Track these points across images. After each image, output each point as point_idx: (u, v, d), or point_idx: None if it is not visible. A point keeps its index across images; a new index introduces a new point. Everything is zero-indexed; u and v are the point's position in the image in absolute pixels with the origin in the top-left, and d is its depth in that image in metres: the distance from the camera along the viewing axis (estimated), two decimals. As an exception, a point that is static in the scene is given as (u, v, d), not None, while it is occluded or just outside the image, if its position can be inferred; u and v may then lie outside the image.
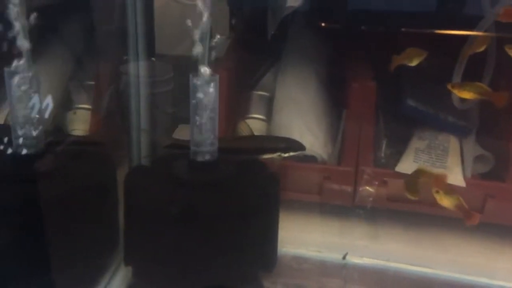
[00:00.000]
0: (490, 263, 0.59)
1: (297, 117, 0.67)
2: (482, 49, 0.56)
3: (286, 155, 0.57)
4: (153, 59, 0.71)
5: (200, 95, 0.49)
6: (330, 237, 0.62)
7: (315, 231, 0.63)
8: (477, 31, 0.57)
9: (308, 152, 0.63)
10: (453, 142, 0.66)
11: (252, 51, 0.79)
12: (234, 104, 0.72)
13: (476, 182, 0.62)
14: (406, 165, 0.63)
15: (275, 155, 0.57)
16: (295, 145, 0.58)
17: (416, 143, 0.66)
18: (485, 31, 0.59)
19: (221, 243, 0.50)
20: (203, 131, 0.49)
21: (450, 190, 0.56)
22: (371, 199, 0.61)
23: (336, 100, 0.72)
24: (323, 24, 0.81)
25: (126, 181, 0.53)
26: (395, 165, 0.64)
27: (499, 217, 0.60)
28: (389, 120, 0.69)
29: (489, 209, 0.60)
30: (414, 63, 0.62)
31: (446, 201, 0.57)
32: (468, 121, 0.66)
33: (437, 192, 0.56)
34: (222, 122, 0.66)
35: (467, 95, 0.60)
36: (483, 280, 0.57)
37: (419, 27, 0.73)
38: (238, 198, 0.50)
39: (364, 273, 0.57)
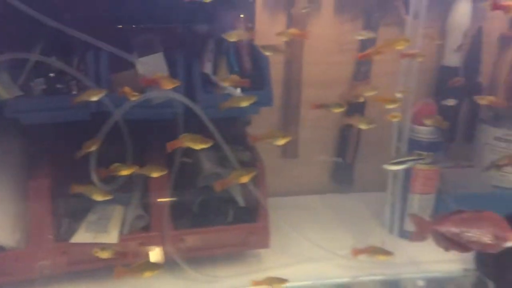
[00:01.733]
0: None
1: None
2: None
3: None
4: None
5: None
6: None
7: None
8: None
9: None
10: (117, 210, 0.90)
11: None
12: None
13: (132, 236, 0.87)
14: (79, 236, 0.84)
15: None
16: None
17: (89, 217, 0.88)
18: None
19: None
20: None
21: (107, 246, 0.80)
22: (48, 270, 0.80)
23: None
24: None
25: None
26: (73, 237, 0.85)
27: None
28: (69, 204, 0.89)
29: (142, 252, 0.86)
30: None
31: (106, 254, 0.79)
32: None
33: (96, 251, 0.79)
34: None
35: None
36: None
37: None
38: None
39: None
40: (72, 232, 0.85)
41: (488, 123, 1.19)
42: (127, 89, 0.77)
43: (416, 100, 1.04)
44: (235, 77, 0.87)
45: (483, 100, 0.94)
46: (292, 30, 0.84)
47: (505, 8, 0.73)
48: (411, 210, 1.03)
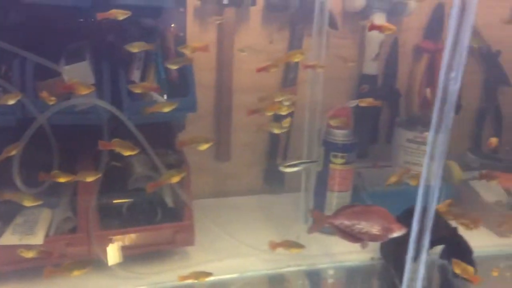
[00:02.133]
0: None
1: None
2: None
3: None
4: None
5: None
6: None
7: None
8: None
9: None
10: (45, 213, 0.93)
11: None
12: None
13: (58, 237, 0.90)
14: (5, 239, 0.87)
15: None
16: None
17: (17, 220, 0.91)
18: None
19: None
20: None
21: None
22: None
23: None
24: None
25: None
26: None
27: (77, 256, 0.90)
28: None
29: (70, 252, 0.89)
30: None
31: (31, 254, 0.83)
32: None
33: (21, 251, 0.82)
34: None
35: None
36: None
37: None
38: None
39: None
40: (-1, 234, 0.88)
41: (402, 126, 1.31)
42: (45, 94, 0.81)
43: (334, 106, 1.13)
44: (145, 84, 0.92)
45: (363, 102, 1.04)
46: (195, 44, 0.91)
47: (379, 28, 0.83)
48: (329, 207, 1.12)
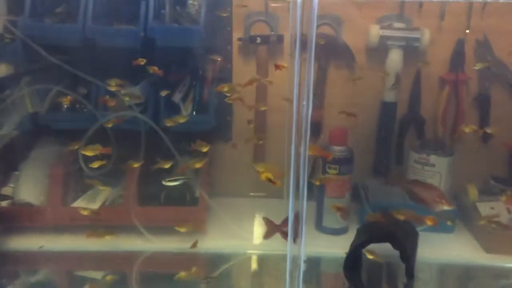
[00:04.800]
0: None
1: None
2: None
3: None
4: None
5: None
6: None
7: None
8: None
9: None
10: (106, 190, 1.34)
11: None
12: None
13: (110, 207, 1.30)
14: (77, 203, 1.29)
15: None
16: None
17: (88, 192, 1.34)
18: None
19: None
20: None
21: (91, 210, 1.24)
22: (57, 222, 1.26)
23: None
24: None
25: None
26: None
27: (120, 221, 1.28)
28: (79, 184, 1.36)
29: (116, 218, 1.29)
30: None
31: (86, 212, 1.24)
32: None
33: (80, 210, 1.24)
34: None
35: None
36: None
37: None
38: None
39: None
40: (74, 200, 1.32)
41: (412, 149, 1.46)
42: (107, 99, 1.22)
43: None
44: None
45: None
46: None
47: (279, 67, 1.06)
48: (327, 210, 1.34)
